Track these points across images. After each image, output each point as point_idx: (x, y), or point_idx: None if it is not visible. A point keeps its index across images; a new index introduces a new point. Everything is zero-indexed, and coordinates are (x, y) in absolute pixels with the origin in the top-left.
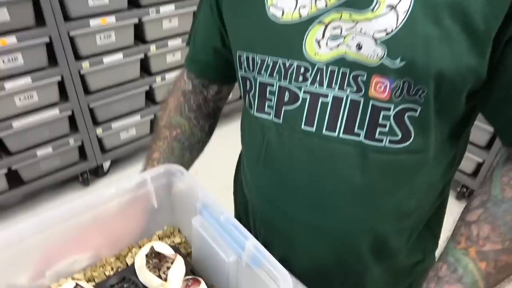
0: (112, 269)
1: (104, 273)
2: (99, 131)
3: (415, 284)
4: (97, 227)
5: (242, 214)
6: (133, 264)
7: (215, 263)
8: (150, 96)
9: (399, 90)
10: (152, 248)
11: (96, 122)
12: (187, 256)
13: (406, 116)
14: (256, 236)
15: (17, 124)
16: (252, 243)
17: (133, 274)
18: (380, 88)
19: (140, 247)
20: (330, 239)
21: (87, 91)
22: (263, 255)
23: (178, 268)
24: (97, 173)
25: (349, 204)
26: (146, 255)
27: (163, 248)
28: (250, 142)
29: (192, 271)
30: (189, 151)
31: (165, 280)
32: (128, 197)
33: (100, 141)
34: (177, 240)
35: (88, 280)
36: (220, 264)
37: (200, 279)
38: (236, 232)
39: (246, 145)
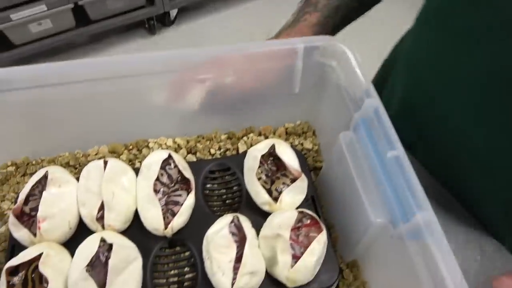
0: (219, 148)
1: (209, 150)
2: None
3: None
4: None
5: None
6: (243, 155)
7: (350, 210)
8: None
9: None
10: (272, 148)
11: None
12: (311, 171)
13: None
14: None
15: None
16: (425, 219)
17: (240, 168)
18: None
19: (259, 135)
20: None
21: None
22: (439, 244)
23: (297, 192)
24: (164, 21)
25: None
26: (262, 156)
27: (288, 154)
28: None
29: (313, 198)
30: None
31: (275, 199)
32: (264, 64)
33: None
34: (307, 145)
35: (190, 151)
36: (358, 217)
37: (321, 225)
38: (407, 192)
39: None
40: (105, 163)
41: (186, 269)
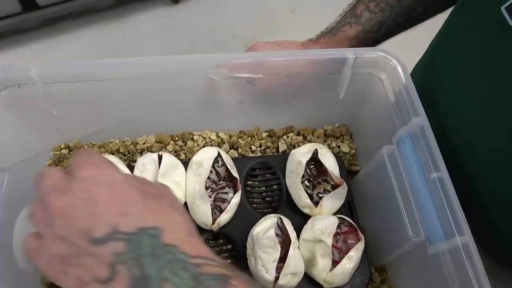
0: (259, 146)
1: (250, 147)
2: None
3: None
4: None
5: None
6: (284, 155)
7: (388, 221)
8: None
9: None
10: (315, 153)
11: None
12: (347, 175)
13: None
14: None
15: None
16: (465, 241)
17: (280, 168)
18: None
19: (298, 134)
20: None
21: None
22: (474, 266)
23: (337, 198)
24: None
25: None
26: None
27: (330, 161)
28: None
29: (349, 204)
30: None
31: (315, 204)
32: (312, 68)
33: None
34: (344, 148)
35: (232, 146)
36: (396, 230)
37: (360, 234)
38: (448, 215)
39: None
40: (160, 157)
41: (229, 260)
